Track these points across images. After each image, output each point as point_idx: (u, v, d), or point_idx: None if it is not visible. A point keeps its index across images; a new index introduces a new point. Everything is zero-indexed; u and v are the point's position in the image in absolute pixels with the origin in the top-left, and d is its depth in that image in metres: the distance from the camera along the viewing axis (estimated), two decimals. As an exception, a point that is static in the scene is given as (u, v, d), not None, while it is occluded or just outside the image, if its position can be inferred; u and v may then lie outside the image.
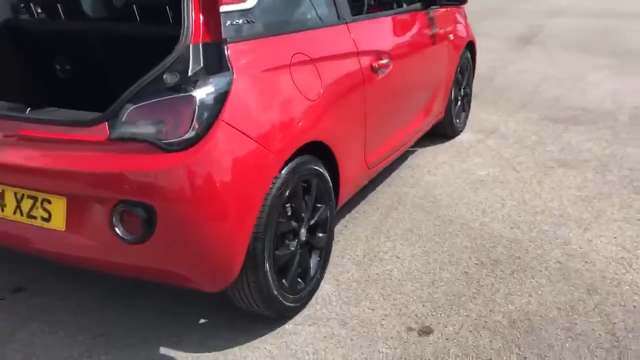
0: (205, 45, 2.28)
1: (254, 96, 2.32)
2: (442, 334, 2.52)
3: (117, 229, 2.18)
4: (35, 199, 2.33)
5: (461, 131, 4.92)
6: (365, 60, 3.09)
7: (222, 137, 2.17)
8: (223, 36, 2.29)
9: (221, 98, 2.18)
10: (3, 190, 2.39)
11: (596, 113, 5.42)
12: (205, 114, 2.14)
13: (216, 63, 2.24)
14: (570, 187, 3.90)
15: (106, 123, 2.19)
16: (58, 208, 2.29)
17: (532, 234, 3.31)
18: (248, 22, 2.43)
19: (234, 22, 2.36)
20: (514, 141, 4.78)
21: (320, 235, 2.78)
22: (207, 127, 2.14)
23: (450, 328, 2.56)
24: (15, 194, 2.36)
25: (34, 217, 2.33)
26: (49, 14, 3.01)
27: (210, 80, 2.18)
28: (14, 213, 2.37)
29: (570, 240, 3.24)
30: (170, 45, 2.59)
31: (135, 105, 2.15)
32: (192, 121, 2.12)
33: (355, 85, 3.00)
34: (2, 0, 3.07)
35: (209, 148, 2.13)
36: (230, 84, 2.21)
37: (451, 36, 4.41)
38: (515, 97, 5.98)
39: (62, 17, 2.94)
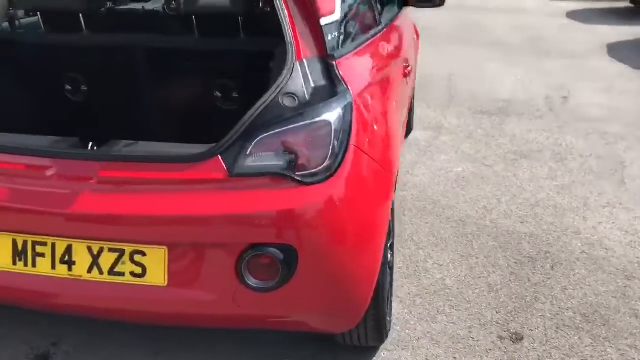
0: (313, 61, 2.08)
1: (366, 114, 2.15)
2: (533, 339, 2.55)
3: (246, 278, 1.90)
4: (120, 252, 1.95)
5: (412, 129, 5.00)
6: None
7: (357, 163, 1.98)
8: (328, 51, 2.09)
9: (349, 120, 1.98)
10: (70, 246, 1.97)
11: (517, 103, 5.80)
12: (340, 140, 1.94)
13: (331, 81, 2.04)
14: (543, 177, 4.15)
15: (219, 157, 1.90)
16: (156, 260, 1.94)
17: (544, 227, 3.47)
18: (340, 34, 2.24)
19: (332, 36, 2.16)
20: (465, 136, 4.97)
21: (390, 252, 2.68)
22: (342, 154, 1.94)
23: (536, 331, 2.60)
24: (90, 248, 1.96)
25: (120, 274, 1.96)
26: (62, 27, 2.50)
27: (335, 101, 1.98)
28: (89, 272, 1.97)
29: (578, 229, 3.45)
30: (238, 61, 2.32)
31: (263, 135, 1.88)
32: (329, 149, 1.91)
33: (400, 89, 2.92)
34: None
35: (347, 177, 1.94)
36: (352, 103, 2.02)
37: None
38: (436, 92, 6.21)
39: (84, 29, 2.45)
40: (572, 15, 10.86)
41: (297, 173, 1.88)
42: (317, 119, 1.92)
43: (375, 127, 2.19)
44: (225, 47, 2.34)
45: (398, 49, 3.10)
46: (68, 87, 2.57)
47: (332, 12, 2.15)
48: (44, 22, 2.52)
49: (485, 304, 2.78)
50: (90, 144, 2.03)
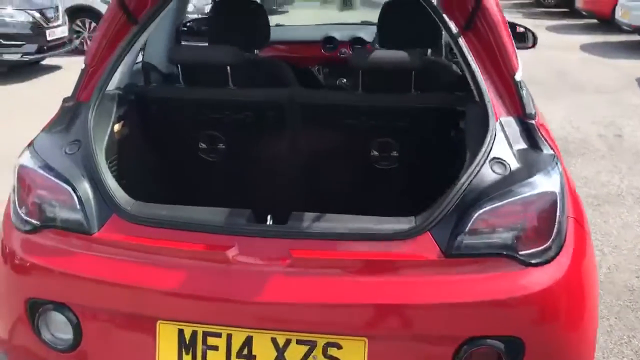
0: (512, 122, 1.87)
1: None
2: None
3: (462, 375, 1.64)
4: (311, 344, 1.68)
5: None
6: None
7: (577, 236, 1.75)
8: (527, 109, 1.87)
9: (564, 187, 1.75)
10: (250, 337, 1.69)
11: (573, 142, 5.62)
12: (562, 212, 1.71)
13: (535, 144, 1.82)
14: (636, 224, 3.97)
15: (430, 234, 1.65)
16: (354, 354, 1.67)
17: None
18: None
19: (524, 93, 1.94)
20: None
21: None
22: (565, 228, 1.71)
23: None
24: (275, 339, 1.69)
25: (312, 369, 1.68)
26: (207, 81, 2.23)
27: (551, 168, 1.76)
28: (274, 366, 1.69)
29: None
30: (405, 118, 2.10)
31: (483, 210, 1.64)
32: (555, 222, 1.68)
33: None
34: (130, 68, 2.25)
35: (574, 253, 1.71)
36: (560, 167, 1.80)
37: None
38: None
39: (230, 83, 2.19)
40: (587, 48, 10.88)
41: (520, 252, 1.65)
42: (542, 190, 1.69)
43: (570, 192, 1.97)
44: (393, 104, 2.12)
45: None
46: (203, 146, 2.31)
47: (518, 67, 1.94)
48: (185, 76, 2.28)
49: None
50: (269, 217, 1.78)
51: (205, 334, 1.70)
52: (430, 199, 1.98)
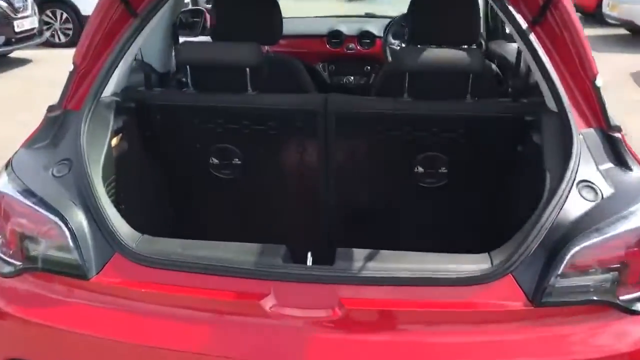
0: (595, 135, 1.56)
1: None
2: None
3: None
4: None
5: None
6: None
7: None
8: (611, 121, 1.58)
9: None
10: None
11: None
12: None
13: (625, 163, 1.52)
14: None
15: (512, 277, 1.34)
16: None
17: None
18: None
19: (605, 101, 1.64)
20: None
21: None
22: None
23: None
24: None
25: None
26: (222, 85, 1.86)
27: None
28: None
29: None
30: (458, 129, 1.78)
31: (582, 245, 1.33)
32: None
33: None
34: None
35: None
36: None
37: None
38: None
39: (249, 88, 1.82)
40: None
41: (621, 298, 1.35)
42: (643, 222, 1.39)
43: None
44: (446, 112, 1.80)
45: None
46: (215, 161, 1.95)
47: (597, 72, 1.64)
48: (195, 80, 1.93)
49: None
50: (309, 255, 1.44)
51: None
52: (490, 226, 1.68)
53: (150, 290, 1.40)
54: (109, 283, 1.41)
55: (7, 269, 1.48)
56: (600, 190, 1.44)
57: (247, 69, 1.81)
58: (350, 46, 3.45)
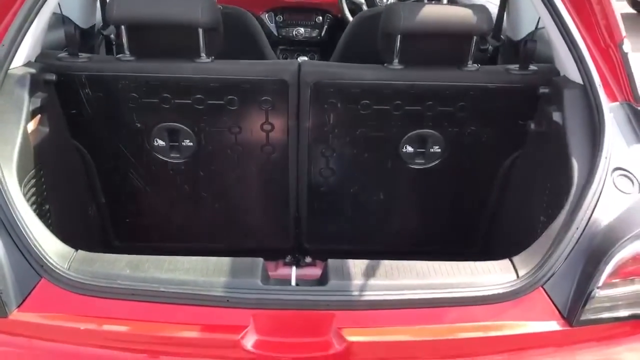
0: (624, 111, 1.33)
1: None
2: None
3: None
4: None
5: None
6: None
7: None
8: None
9: None
10: None
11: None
12: None
13: None
14: None
15: (543, 290, 1.11)
16: None
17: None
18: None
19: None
20: None
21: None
22: None
23: None
24: None
25: None
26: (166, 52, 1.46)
27: None
28: None
29: None
30: (456, 101, 1.51)
31: (628, 251, 1.11)
32: None
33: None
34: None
35: None
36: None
37: None
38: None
39: (203, 54, 1.43)
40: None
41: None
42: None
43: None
44: (445, 82, 1.51)
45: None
46: (159, 144, 1.57)
47: (624, 37, 1.38)
48: (133, 44, 1.50)
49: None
50: (293, 271, 1.14)
51: None
52: (489, 214, 1.44)
53: (88, 326, 1.07)
54: (34, 319, 1.08)
55: None
56: (637, 179, 1.21)
57: (201, 31, 1.45)
58: None
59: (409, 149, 1.57)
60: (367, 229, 1.27)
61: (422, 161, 1.59)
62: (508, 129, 1.51)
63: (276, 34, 3.04)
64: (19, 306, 1.08)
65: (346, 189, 1.66)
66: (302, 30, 3.04)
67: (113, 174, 1.63)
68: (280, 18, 3.07)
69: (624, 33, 1.36)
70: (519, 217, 1.25)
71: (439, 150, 1.57)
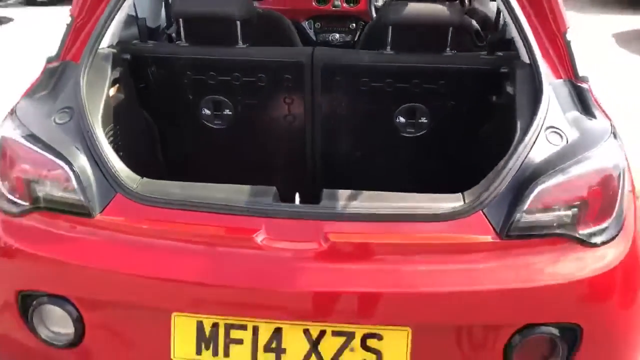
0: (564, 86, 1.70)
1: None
2: None
3: (516, 364, 1.50)
4: (348, 335, 1.51)
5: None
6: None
7: (637, 213, 1.61)
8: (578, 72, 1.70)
9: (622, 154, 1.60)
10: (279, 329, 1.51)
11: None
12: (623, 187, 1.56)
13: (590, 112, 1.66)
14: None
15: (482, 213, 1.48)
16: (396, 345, 1.51)
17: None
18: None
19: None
20: None
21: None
22: (624, 204, 1.56)
23: None
24: (307, 331, 1.51)
25: (347, 363, 1.51)
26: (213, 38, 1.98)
27: (610, 139, 1.60)
28: (307, 360, 1.52)
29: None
30: (438, 80, 1.89)
31: (545, 185, 1.47)
32: (617, 197, 1.53)
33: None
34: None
35: (635, 233, 1.57)
36: (619, 137, 1.64)
37: None
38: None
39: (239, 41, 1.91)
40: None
41: (580, 232, 1.49)
42: (603, 164, 1.53)
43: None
44: (427, 64, 1.92)
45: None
46: (206, 112, 2.05)
47: (568, 26, 1.75)
48: (187, 33, 2.01)
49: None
50: (297, 196, 1.57)
51: (228, 327, 1.51)
52: (466, 171, 1.81)
53: (150, 226, 1.52)
54: (112, 220, 1.53)
55: (15, 209, 1.59)
56: (565, 135, 1.57)
57: (238, 22, 1.91)
58: (336, 4, 3.52)
59: (402, 119, 1.98)
60: (368, 186, 1.67)
61: (413, 130, 1.99)
62: (480, 102, 1.89)
63: (314, 39, 3.49)
64: (101, 212, 1.54)
65: (352, 154, 2.07)
66: (337, 35, 3.50)
67: (170, 136, 2.10)
68: (318, 25, 3.53)
69: (568, 24, 1.72)
70: (488, 169, 1.62)
71: (426, 121, 1.96)
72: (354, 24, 3.50)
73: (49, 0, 10.14)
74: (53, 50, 1.85)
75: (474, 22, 2.44)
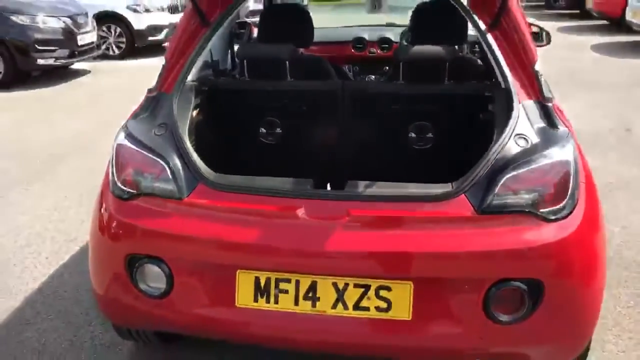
0: (533, 105, 2.21)
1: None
2: None
3: (493, 312, 1.98)
4: (366, 287, 2.03)
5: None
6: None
7: (587, 198, 2.09)
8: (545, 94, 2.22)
9: (576, 158, 2.10)
10: (315, 282, 2.04)
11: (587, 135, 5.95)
12: (575, 177, 2.05)
13: (552, 123, 2.17)
14: (644, 208, 4.28)
15: (465, 196, 2.00)
16: (401, 295, 2.02)
17: (667, 257, 3.58)
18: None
19: (542, 80, 2.29)
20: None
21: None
22: (577, 191, 2.05)
23: None
24: (335, 284, 2.04)
25: (365, 309, 2.03)
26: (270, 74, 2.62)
27: (565, 141, 2.10)
28: (334, 307, 2.05)
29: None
30: (439, 104, 2.44)
31: (509, 175, 1.98)
32: (569, 186, 2.02)
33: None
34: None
35: (585, 212, 2.05)
36: (573, 141, 2.14)
37: None
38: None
39: (288, 76, 2.56)
40: (598, 48, 11.18)
41: (540, 210, 1.98)
42: (557, 159, 2.03)
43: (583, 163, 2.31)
44: (430, 91, 2.48)
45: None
46: (263, 130, 2.67)
47: (537, 59, 2.29)
48: (249, 70, 2.65)
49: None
50: (328, 184, 2.13)
51: (278, 280, 2.06)
52: (462, 170, 2.33)
53: (223, 205, 2.09)
54: (195, 202, 2.12)
55: (126, 195, 2.20)
56: (530, 140, 2.08)
57: (287, 62, 2.53)
58: (372, 50, 4.16)
59: (413, 135, 2.53)
60: (382, 179, 2.21)
61: (422, 144, 2.54)
62: (470, 119, 2.42)
63: (353, 80, 4.10)
64: (187, 196, 2.12)
65: (374, 162, 2.64)
66: (372, 77, 4.10)
67: (235, 149, 2.71)
68: (356, 69, 4.16)
69: (536, 58, 2.25)
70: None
71: (432, 136, 2.51)
72: (387, 67, 4.10)
73: (120, 55, 11.34)
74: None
75: (478, 60, 3.00)
